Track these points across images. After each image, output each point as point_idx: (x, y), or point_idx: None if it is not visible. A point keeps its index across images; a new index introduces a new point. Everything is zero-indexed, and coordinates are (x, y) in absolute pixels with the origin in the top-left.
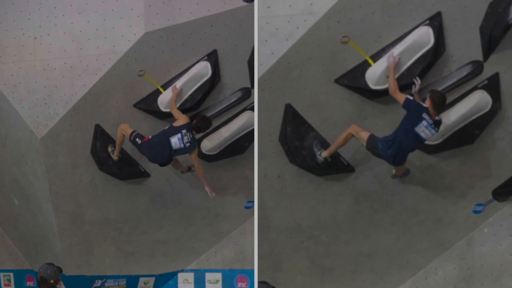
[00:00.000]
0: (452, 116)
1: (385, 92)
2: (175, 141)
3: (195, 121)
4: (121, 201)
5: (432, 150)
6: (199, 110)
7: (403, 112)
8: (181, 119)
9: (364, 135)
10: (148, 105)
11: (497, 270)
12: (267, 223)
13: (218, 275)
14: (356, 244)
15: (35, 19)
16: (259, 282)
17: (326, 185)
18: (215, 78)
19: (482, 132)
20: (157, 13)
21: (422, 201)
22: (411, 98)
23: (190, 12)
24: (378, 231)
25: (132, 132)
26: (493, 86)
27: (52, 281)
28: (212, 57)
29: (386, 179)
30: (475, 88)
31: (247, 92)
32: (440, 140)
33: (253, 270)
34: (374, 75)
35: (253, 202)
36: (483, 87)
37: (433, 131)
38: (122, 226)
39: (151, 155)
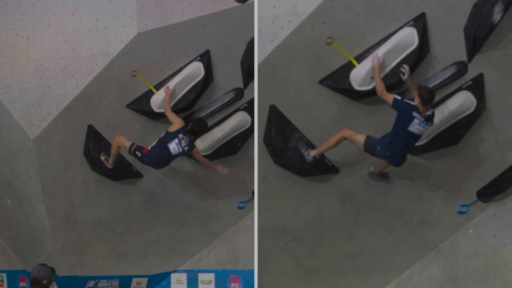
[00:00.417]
0: (437, 117)
1: (369, 93)
2: (173, 146)
3: (190, 124)
4: (114, 201)
5: (417, 151)
6: (192, 111)
7: (388, 113)
8: (176, 123)
9: (360, 138)
10: (141, 105)
11: (482, 271)
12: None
13: (211, 276)
14: (341, 245)
15: (28, 19)
16: None
17: (310, 186)
18: (208, 79)
19: (467, 133)
20: (149, 14)
21: (407, 202)
22: (399, 98)
23: (183, 13)
24: (363, 232)
25: (131, 146)
26: (477, 86)
27: (45, 282)
28: (205, 58)
29: (371, 180)
30: (459, 89)
31: (239, 93)
32: (425, 141)
33: (244, 271)
34: (359, 76)
35: (245, 202)
36: (468, 88)
37: (426, 126)
38: (115, 227)
39: (153, 165)
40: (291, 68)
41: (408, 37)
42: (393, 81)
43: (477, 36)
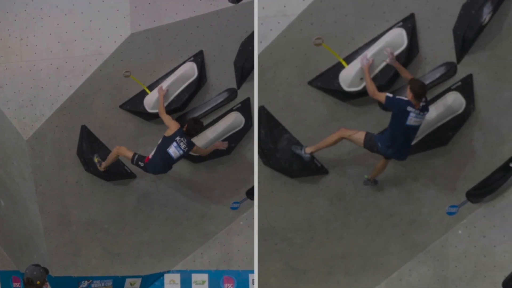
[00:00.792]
0: (426, 117)
1: (358, 94)
2: (173, 151)
3: (186, 125)
4: (107, 202)
5: None
6: (185, 111)
7: (377, 114)
8: (172, 127)
9: (360, 135)
10: (134, 106)
11: (471, 271)
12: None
13: (205, 276)
14: (330, 246)
15: (21, 20)
16: None
17: (300, 187)
18: (201, 79)
19: (456, 134)
20: (143, 14)
21: (396, 203)
22: (391, 95)
23: (176, 13)
24: (352, 233)
25: (133, 156)
26: (466, 87)
27: (38, 282)
28: (198, 58)
29: (360, 181)
30: (448, 90)
31: (233, 93)
32: (414, 142)
33: (238, 271)
34: (348, 77)
35: (239, 203)
36: (457, 89)
37: (423, 115)
38: (109, 227)
39: (157, 172)
40: (280, 69)
41: (397, 38)
42: (382, 81)
43: (466, 37)
